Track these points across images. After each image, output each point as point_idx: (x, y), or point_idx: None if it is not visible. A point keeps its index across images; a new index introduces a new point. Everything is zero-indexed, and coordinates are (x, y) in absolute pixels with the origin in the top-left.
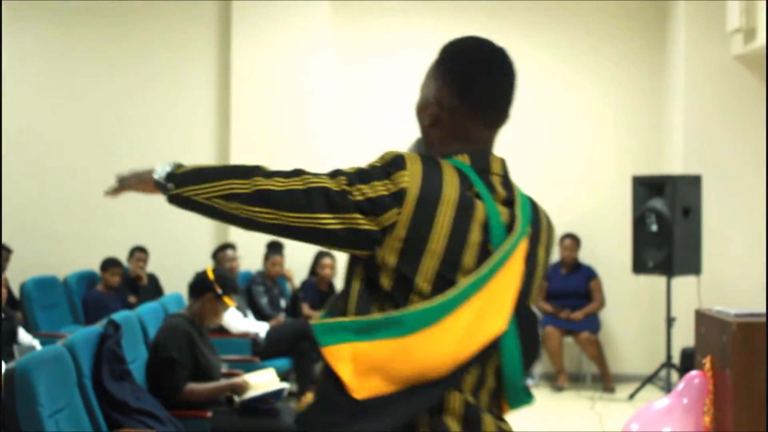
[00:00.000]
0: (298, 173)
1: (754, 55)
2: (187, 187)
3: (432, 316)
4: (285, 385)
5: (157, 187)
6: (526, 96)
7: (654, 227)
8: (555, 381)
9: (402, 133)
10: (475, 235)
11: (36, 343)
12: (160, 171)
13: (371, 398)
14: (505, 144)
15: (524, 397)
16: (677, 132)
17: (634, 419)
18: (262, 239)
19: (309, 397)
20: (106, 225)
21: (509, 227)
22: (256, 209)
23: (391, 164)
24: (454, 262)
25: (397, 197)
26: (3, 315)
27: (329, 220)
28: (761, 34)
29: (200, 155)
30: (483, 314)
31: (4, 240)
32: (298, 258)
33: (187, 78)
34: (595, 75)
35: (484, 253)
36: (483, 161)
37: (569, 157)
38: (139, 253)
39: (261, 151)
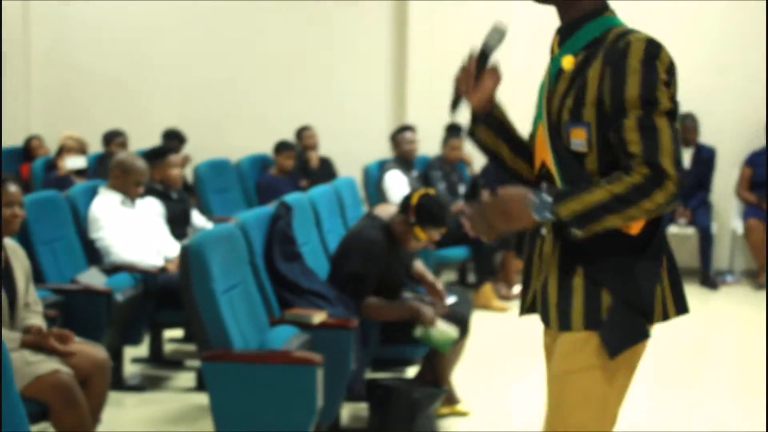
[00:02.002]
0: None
1: None
2: (594, 224)
3: None
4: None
5: (534, 214)
6: None
7: None
8: (757, 278)
9: None
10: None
11: (209, 226)
12: (539, 210)
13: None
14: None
15: None
16: None
17: None
18: (441, 121)
19: (488, 288)
20: (278, 108)
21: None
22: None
23: (654, 50)
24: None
25: (673, 70)
26: (177, 197)
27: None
28: None
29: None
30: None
31: (180, 125)
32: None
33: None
34: None
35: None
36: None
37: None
38: (306, 131)
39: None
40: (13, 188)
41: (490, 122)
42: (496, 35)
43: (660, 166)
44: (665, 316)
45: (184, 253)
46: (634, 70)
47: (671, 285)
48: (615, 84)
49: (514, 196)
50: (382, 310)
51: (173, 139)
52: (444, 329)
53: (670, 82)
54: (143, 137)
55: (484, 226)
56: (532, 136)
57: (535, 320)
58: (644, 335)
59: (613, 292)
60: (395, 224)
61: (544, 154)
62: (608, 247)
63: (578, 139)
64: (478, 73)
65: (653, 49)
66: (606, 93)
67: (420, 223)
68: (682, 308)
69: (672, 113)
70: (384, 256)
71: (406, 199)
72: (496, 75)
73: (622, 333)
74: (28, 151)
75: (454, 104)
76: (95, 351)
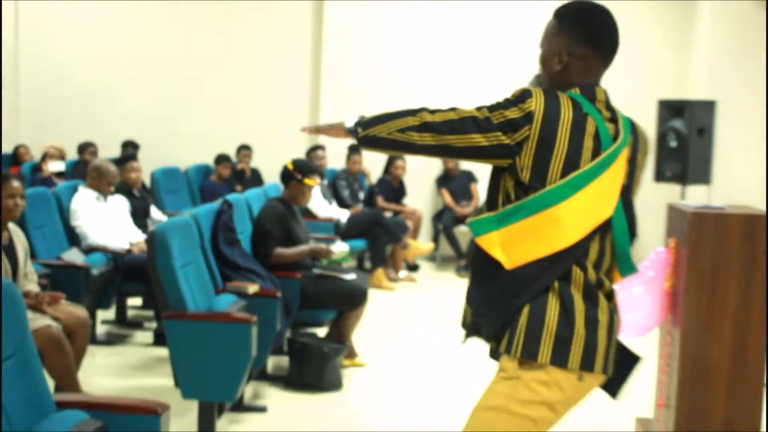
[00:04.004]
0: (453, 108)
1: None
2: (371, 128)
3: (556, 197)
4: (346, 248)
5: (348, 133)
6: None
7: (673, 144)
8: None
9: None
10: (588, 143)
11: (164, 218)
12: (349, 121)
13: (517, 267)
14: None
15: (631, 268)
16: (698, 64)
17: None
18: (347, 141)
19: (380, 272)
20: (219, 126)
21: (614, 137)
22: (425, 135)
23: (520, 96)
24: (572, 164)
25: (528, 118)
26: (139, 195)
27: (479, 139)
28: None
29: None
30: (596, 200)
31: (136, 138)
32: (375, 159)
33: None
34: (623, 16)
35: (596, 155)
36: (590, 91)
37: (608, 84)
38: (244, 150)
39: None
40: (15, 183)
41: None
42: (535, 83)
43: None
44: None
45: (151, 237)
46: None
47: (558, 330)
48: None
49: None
50: (288, 255)
51: (129, 147)
52: (338, 250)
53: (513, 122)
54: (110, 147)
55: (316, 130)
56: None
57: (416, 301)
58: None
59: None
60: (289, 190)
61: None
62: (488, 276)
63: None
64: None
65: (522, 94)
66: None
67: (304, 174)
68: (561, 362)
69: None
70: (282, 215)
71: (286, 171)
72: None
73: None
74: (16, 157)
75: None
76: (78, 311)
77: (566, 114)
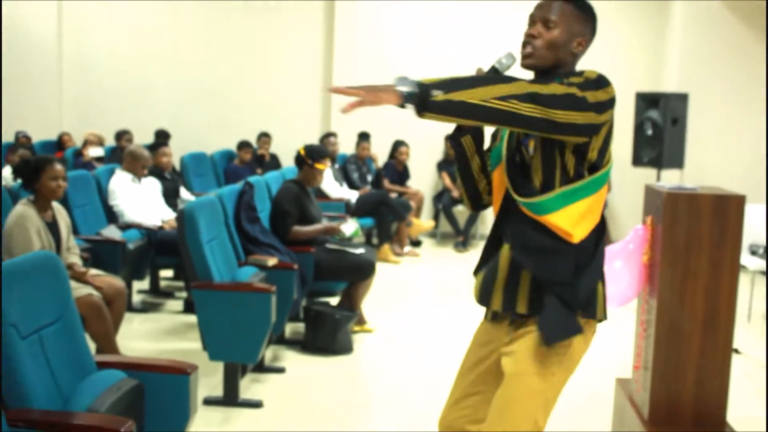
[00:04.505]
0: (543, 82)
1: (738, 2)
2: (454, 92)
3: (607, 174)
4: (357, 225)
5: (405, 99)
6: None
7: (650, 132)
8: None
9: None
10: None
11: (192, 198)
12: (402, 83)
13: (582, 240)
14: None
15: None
16: (672, 60)
17: None
18: (356, 128)
19: (386, 247)
20: (241, 116)
21: None
22: (531, 106)
23: (602, 80)
24: (611, 144)
25: (612, 102)
26: (170, 178)
27: (577, 117)
28: None
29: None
30: (605, 187)
31: (167, 126)
32: (382, 145)
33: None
34: (604, 15)
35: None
36: None
37: None
38: (264, 137)
39: (351, 117)
40: (59, 166)
41: (476, 135)
42: (509, 60)
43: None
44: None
45: (181, 215)
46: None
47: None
48: None
49: (385, 86)
50: (304, 233)
51: (161, 134)
52: (350, 228)
53: (607, 105)
54: (144, 134)
55: (364, 98)
56: None
57: (419, 274)
58: (577, 330)
59: (550, 287)
60: (302, 174)
61: None
62: (554, 251)
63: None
64: None
65: (602, 79)
66: None
67: (314, 159)
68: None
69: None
70: (297, 195)
71: (298, 156)
72: None
73: (558, 325)
74: (60, 143)
75: None
76: (116, 281)
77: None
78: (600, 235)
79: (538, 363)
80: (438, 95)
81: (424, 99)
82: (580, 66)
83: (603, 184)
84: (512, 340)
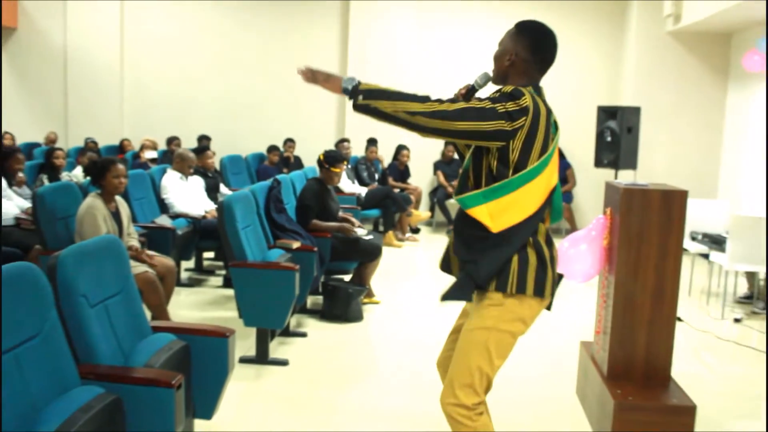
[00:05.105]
0: (454, 100)
1: (679, 32)
2: (375, 100)
3: (533, 174)
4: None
5: (344, 92)
6: None
7: (609, 139)
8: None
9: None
10: (549, 130)
11: (230, 192)
12: (347, 82)
13: (503, 230)
14: None
15: (559, 217)
16: (627, 79)
17: (566, 240)
18: (366, 134)
19: (390, 234)
20: (270, 124)
21: (556, 125)
22: (435, 121)
23: (515, 93)
24: (545, 147)
25: (524, 110)
26: (211, 176)
27: (483, 125)
28: (684, 18)
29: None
30: (551, 173)
31: (209, 132)
32: (387, 149)
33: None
34: (572, 43)
35: (550, 139)
36: (539, 90)
37: (559, 93)
38: (289, 142)
39: (362, 125)
40: (120, 166)
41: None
42: (484, 78)
43: (449, 100)
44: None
45: (221, 206)
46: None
47: (536, 272)
48: None
49: (334, 76)
50: (322, 228)
51: (204, 139)
52: (360, 232)
53: (514, 115)
54: (189, 139)
55: (312, 77)
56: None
57: (414, 253)
58: (466, 297)
59: (462, 264)
60: (322, 174)
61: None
62: (475, 238)
63: None
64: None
65: (515, 92)
66: None
67: (331, 164)
68: (539, 292)
69: (494, 114)
70: (318, 192)
71: (318, 160)
72: None
73: (454, 290)
74: (121, 147)
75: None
76: (167, 261)
77: (543, 109)
78: (532, 222)
79: (478, 319)
80: (360, 99)
81: (353, 98)
82: (552, 82)
83: (529, 180)
84: (472, 309)
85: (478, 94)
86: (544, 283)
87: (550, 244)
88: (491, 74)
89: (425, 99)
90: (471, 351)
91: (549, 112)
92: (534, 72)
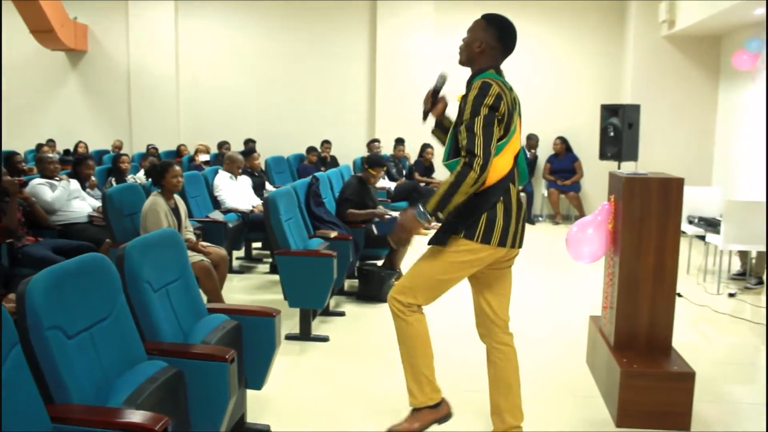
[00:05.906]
0: (471, 146)
1: (674, 36)
2: (446, 208)
3: (505, 143)
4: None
5: (422, 221)
6: (535, 57)
7: (612, 134)
8: (554, 219)
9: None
10: (511, 106)
11: (274, 189)
12: (420, 216)
13: (485, 188)
14: (536, 87)
15: (526, 178)
16: (628, 80)
17: (575, 225)
18: (394, 135)
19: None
20: (309, 127)
21: (515, 100)
22: (485, 171)
23: (485, 86)
24: (511, 121)
25: (498, 98)
26: (258, 175)
27: (494, 131)
28: (678, 23)
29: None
30: (515, 142)
31: (254, 136)
32: (413, 147)
33: (344, 50)
34: (576, 45)
35: (514, 113)
36: (500, 71)
37: (566, 94)
38: (326, 143)
39: (390, 127)
40: (178, 168)
41: (442, 127)
42: (441, 79)
43: (473, 152)
44: (493, 243)
45: (266, 201)
46: (470, 99)
47: (502, 225)
48: (462, 106)
49: (407, 217)
50: (357, 214)
51: (250, 142)
52: (393, 214)
53: (495, 105)
54: (238, 143)
55: (398, 239)
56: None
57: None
58: (441, 243)
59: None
60: (363, 173)
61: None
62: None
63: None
64: (434, 99)
65: (484, 86)
66: (462, 111)
67: (371, 166)
68: (502, 243)
69: (490, 122)
70: (357, 188)
71: (363, 161)
72: (444, 101)
73: (435, 236)
74: (178, 151)
75: (424, 116)
76: (220, 251)
77: (505, 89)
78: (504, 182)
79: (430, 254)
80: (440, 215)
81: (436, 219)
82: (561, 86)
83: (501, 149)
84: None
85: (478, 93)
86: (506, 237)
87: (519, 204)
88: (447, 74)
89: (465, 168)
90: (423, 262)
91: (510, 89)
92: (498, 56)
